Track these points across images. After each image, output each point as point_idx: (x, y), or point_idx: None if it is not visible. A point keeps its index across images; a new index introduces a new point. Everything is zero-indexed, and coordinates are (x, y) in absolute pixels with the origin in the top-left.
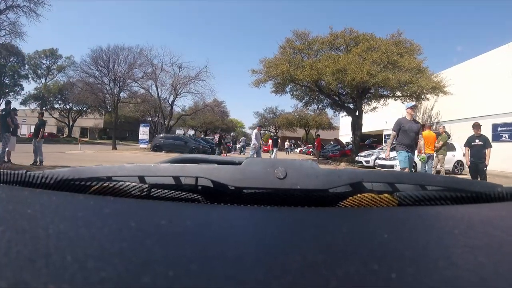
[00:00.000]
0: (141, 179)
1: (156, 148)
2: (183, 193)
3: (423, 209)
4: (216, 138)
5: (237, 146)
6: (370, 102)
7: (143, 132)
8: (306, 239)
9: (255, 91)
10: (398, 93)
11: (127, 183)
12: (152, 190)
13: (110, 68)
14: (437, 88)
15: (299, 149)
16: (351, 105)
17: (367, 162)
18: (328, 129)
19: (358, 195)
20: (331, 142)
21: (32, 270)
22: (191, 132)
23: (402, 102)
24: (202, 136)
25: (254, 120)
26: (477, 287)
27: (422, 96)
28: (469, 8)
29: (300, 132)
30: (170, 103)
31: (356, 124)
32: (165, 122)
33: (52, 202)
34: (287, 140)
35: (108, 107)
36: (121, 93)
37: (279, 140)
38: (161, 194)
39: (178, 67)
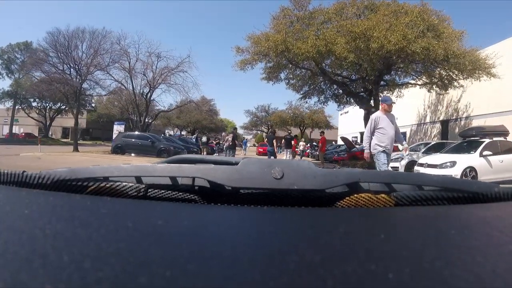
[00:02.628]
0: (138, 179)
1: (118, 149)
2: (180, 193)
3: (420, 209)
4: (230, 138)
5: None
6: (381, 94)
7: (118, 131)
8: (303, 239)
9: (247, 90)
10: (423, 79)
11: (124, 184)
12: (149, 190)
13: (69, 53)
14: (485, 69)
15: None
16: (362, 94)
17: (395, 168)
18: (326, 128)
19: (355, 195)
20: (333, 142)
21: (29, 271)
22: (177, 132)
23: (428, 91)
24: (192, 136)
25: (246, 120)
26: (474, 287)
27: (455, 83)
28: None
29: (294, 132)
30: (146, 96)
31: None
32: (141, 119)
33: (49, 203)
34: (302, 140)
35: (88, 105)
36: (92, 87)
37: (292, 141)
38: (158, 195)
39: (157, 56)
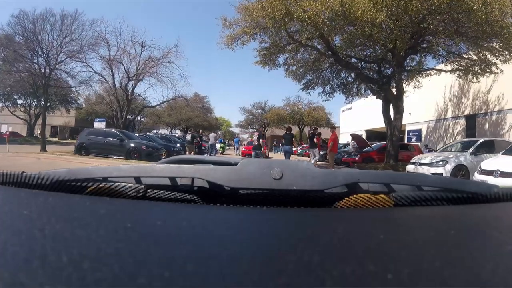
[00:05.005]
0: (137, 180)
1: (82, 149)
2: (179, 193)
3: (419, 209)
4: (255, 137)
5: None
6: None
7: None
8: (302, 239)
9: (244, 87)
10: (457, 61)
11: (123, 184)
12: (148, 191)
13: (35, 39)
14: None
15: (293, 149)
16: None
17: (439, 175)
18: (326, 126)
19: (354, 195)
20: None
21: (28, 271)
22: (164, 131)
23: (459, 77)
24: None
25: (241, 117)
26: (474, 287)
27: (489, 69)
28: None
29: (292, 131)
30: (125, 87)
31: (395, 109)
32: (122, 115)
33: (48, 203)
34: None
35: (74, 102)
36: (61, 77)
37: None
38: (157, 195)
39: (141, 45)
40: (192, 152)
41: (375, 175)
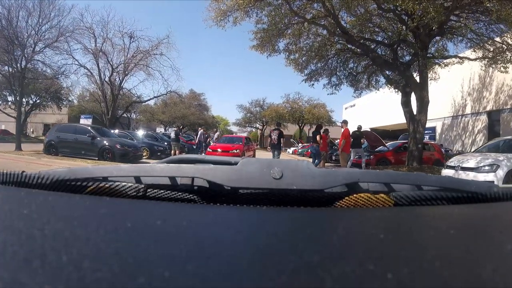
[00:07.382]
0: (137, 179)
1: (51, 148)
2: (179, 193)
3: (419, 209)
4: (274, 136)
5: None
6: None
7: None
8: (301, 239)
9: (242, 85)
10: (488, 45)
11: (123, 184)
12: (148, 190)
13: (7, 25)
14: None
15: (293, 149)
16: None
17: (490, 182)
18: (328, 124)
19: (354, 195)
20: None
21: (28, 271)
22: (160, 129)
23: (487, 66)
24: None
25: (239, 115)
26: (474, 287)
27: None
28: None
29: (292, 129)
30: (109, 80)
31: (419, 100)
32: (109, 112)
33: (48, 203)
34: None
35: (64, 98)
36: (35, 69)
37: (363, 140)
38: (157, 195)
39: (129, 36)
40: (178, 152)
41: (375, 174)
